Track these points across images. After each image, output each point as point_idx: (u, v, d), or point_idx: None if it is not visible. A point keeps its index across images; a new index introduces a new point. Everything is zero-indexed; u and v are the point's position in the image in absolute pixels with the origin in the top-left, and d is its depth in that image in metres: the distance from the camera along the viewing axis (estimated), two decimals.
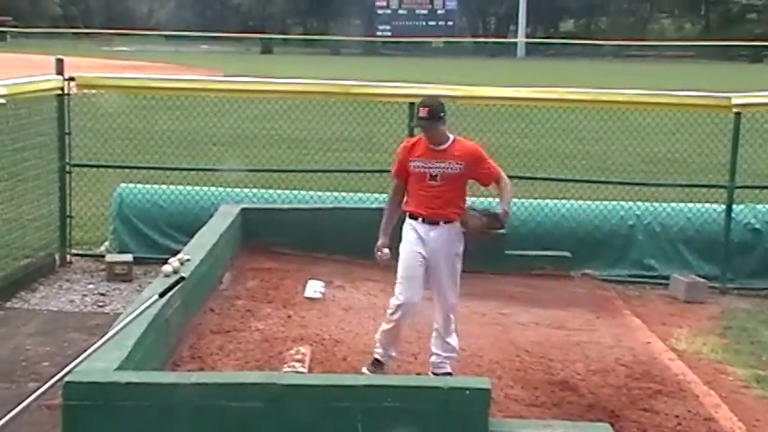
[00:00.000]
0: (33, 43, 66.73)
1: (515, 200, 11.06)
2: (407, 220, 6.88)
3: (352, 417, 4.94)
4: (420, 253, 6.78)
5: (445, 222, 6.78)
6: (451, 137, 6.84)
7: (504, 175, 6.96)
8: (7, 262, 9.68)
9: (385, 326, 6.95)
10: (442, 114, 6.76)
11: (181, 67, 45.96)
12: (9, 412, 4.54)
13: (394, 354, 7.05)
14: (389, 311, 6.91)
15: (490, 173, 6.88)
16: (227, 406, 4.94)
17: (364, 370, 6.90)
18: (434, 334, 6.98)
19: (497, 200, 7.15)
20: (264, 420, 4.96)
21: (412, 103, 10.79)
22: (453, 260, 6.85)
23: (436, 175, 6.73)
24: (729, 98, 10.53)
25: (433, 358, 6.96)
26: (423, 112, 6.73)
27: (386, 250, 6.97)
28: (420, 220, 6.79)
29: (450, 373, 6.86)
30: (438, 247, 6.78)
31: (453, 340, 6.97)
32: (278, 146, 16.60)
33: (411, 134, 9.63)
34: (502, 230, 7.26)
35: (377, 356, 6.99)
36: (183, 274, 6.57)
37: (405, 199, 6.98)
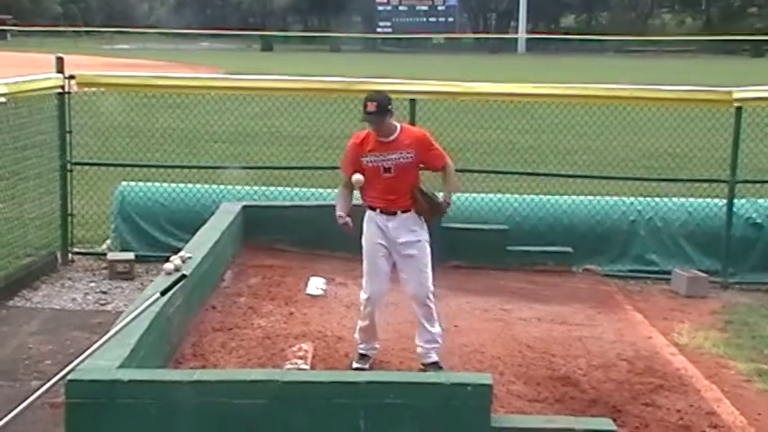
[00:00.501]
0: (34, 42, 66.84)
1: (517, 195, 11.14)
2: (367, 212, 6.98)
3: (354, 413, 4.95)
4: (381, 244, 6.90)
5: (402, 212, 6.88)
6: (398, 126, 6.95)
7: (449, 162, 7.06)
8: (9, 261, 9.69)
9: (360, 323, 7.07)
10: (389, 107, 6.86)
11: (181, 65, 45.97)
12: (12, 410, 4.55)
13: (377, 346, 7.15)
14: (361, 307, 7.04)
15: (438, 157, 6.98)
16: (229, 403, 4.95)
17: (354, 365, 6.97)
18: (419, 325, 7.06)
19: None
20: (267, 417, 4.97)
21: (413, 100, 10.81)
22: (416, 248, 6.91)
23: (390, 168, 6.82)
24: (730, 93, 10.51)
25: (418, 350, 7.04)
26: (371, 107, 6.77)
27: (346, 219, 6.89)
28: (378, 211, 6.91)
29: (437, 362, 6.94)
30: (398, 236, 6.88)
31: (435, 329, 7.02)
32: (279, 143, 16.60)
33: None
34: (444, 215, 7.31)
35: (361, 351, 7.09)
36: (184, 272, 6.58)
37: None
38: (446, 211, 7.08)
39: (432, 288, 6.98)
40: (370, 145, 6.86)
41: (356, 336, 7.15)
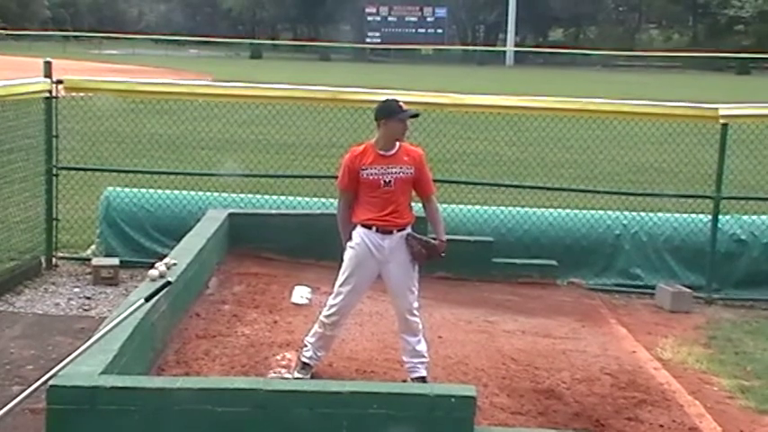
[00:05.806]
0: (22, 46, 66.67)
1: (503, 207, 11.16)
2: (360, 230, 6.74)
3: (337, 423, 4.94)
4: (371, 262, 6.73)
5: (398, 230, 6.71)
6: (397, 142, 6.80)
7: (434, 196, 6.97)
8: None
9: (318, 329, 6.87)
10: None
11: (170, 71, 45.90)
12: None
13: (322, 357, 6.98)
14: (326, 312, 6.84)
15: (429, 182, 6.90)
16: (212, 411, 4.93)
17: (296, 375, 6.83)
18: (401, 342, 6.92)
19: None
20: (250, 426, 4.96)
21: None
22: (407, 266, 6.77)
23: (390, 181, 6.66)
24: (716, 109, 10.56)
25: (406, 365, 6.91)
26: (408, 110, 6.73)
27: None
28: (374, 229, 6.70)
29: (424, 377, 6.81)
30: (392, 255, 6.71)
31: (421, 346, 6.86)
32: (266, 151, 16.56)
33: None
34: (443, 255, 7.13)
35: (305, 360, 6.90)
36: (169, 279, 6.55)
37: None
38: (443, 251, 6.87)
39: (415, 305, 6.82)
40: (369, 157, 6.70)
41: (308, 340, 6.92)
